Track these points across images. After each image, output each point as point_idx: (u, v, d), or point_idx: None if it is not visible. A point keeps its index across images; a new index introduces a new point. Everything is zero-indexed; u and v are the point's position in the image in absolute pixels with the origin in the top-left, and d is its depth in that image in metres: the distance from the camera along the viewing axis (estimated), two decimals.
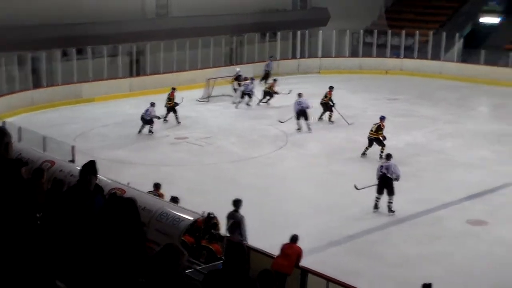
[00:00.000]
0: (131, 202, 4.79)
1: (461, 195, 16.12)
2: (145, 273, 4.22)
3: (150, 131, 21.90)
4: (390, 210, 14.93)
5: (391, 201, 14.92)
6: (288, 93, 23.36)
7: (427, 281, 9.04)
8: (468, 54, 34.19)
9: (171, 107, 23.33)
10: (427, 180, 17.43)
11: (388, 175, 14.90)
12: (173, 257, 4.10)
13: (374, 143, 19.15)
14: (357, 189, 15.27)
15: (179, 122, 23.31)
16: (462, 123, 23.80)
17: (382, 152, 18.57)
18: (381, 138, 19.07)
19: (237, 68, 29.05)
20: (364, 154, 19.23)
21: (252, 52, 33.21)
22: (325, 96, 23.56)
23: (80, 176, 6.06)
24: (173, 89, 23.80)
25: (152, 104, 21.95)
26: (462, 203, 15.75)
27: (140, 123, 21.79)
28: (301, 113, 22.15)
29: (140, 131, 21.90)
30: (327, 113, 23.55)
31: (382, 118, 19.46)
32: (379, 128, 19.16)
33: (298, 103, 22.29)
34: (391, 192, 14.91)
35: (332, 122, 23.43)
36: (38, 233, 5.34)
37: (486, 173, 17.89)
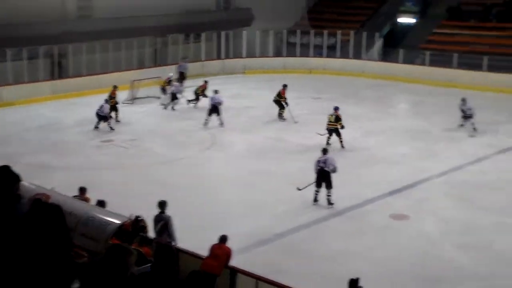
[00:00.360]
0: (56, 208, 4.71)
1: (384, 190, 16.58)
2: (91, 277, 4.10)
3: (111, 128, 22.16)
4: (330, 202, 15.38)
5: (330, 194, 15.37)
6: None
7: (355, 276, 9.24)
8: (388, 53, 35.22)
9: (113, 105, 23.19)
10: (353, 176, 17.76)
11: (326, 168, 15.30)
12: (120, 257, 3.97)
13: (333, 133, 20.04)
14: (299, 189, 15.52)
15: (118, 121, 23.32)
16: (384, 121, 24.46)
17: (341, 142, 19.61)
18: (339, 127, 19.87)
19: (170, 73, 28.75)
20: (328, 144, 19.67)
21: (176, 53, 33.01)
22: (278, 94, 24.16)
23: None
24: (115, 87, 23.65)
25: (106, 101, 22.38)
26: (385, 198, 16.20)
27: (96, 119, 22.13)
28: (214, 109, 23.01)
29: (96, 127, 22.14)
30: (279, 110, 24.17)
31: (336, 109, 20.53)
32: (337, 118, 20.06)
33: (212, 98, 23.32)
34: (329, 186, 15.35)
35: (284, 119, 23.96)
36: None
37: (407, 169, 18.47)
